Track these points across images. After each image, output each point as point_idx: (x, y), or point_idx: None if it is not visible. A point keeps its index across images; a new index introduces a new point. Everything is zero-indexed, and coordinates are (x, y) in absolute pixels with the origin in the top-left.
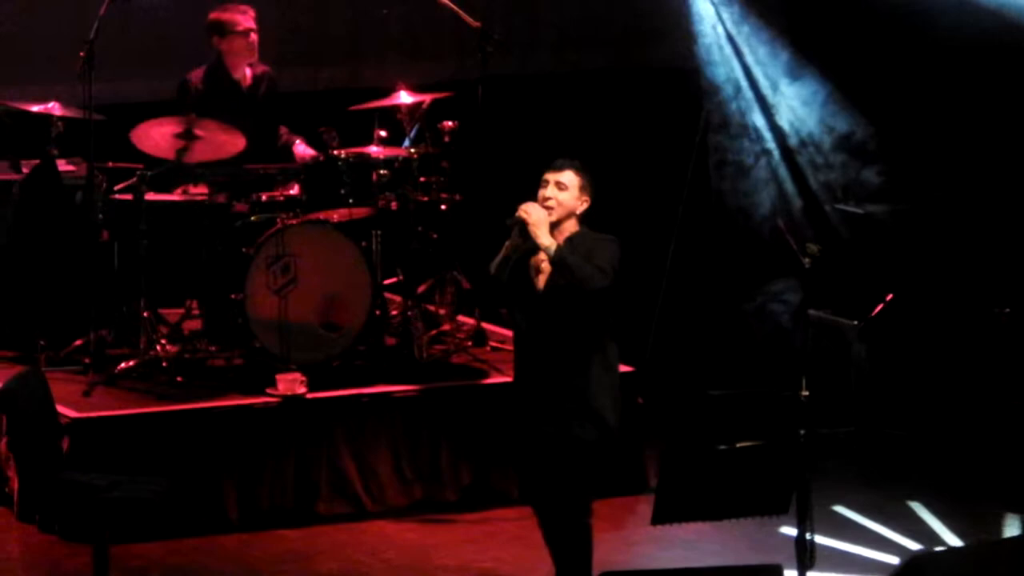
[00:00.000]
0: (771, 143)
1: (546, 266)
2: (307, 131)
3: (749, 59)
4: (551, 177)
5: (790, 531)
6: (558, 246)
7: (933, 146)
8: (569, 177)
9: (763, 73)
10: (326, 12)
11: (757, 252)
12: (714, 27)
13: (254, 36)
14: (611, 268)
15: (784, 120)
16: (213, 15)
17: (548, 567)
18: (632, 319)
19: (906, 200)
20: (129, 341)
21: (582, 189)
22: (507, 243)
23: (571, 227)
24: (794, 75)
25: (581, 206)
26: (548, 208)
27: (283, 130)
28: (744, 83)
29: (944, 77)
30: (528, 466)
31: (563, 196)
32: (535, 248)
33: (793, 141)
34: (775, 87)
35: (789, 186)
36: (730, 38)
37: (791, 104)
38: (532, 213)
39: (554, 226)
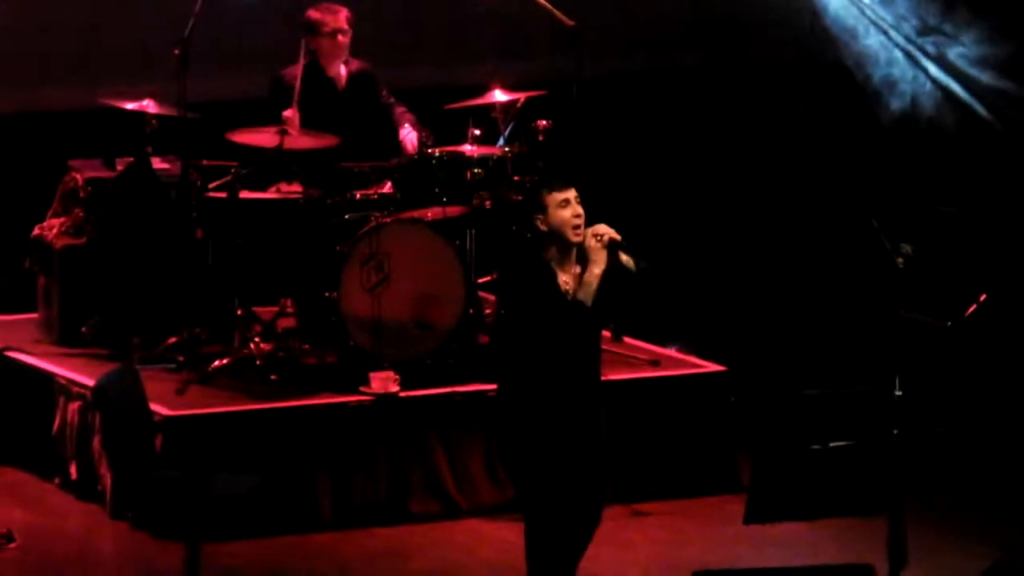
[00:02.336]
0: (928, 107)
1: (592, 279)
2: None
3: (901, 27)
4: (569, 195)
5: (883, 531)
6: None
7: None
8: (575, 193)
9: (917, 37)
10: (420, 10)
11: None
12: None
13: (342, 38)
14: None
15: (941, 85)
16: (307, 13)
17: (641, 567)
18: (725, 318)
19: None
20: (223, 339)
21: None
22: (595, 271)
23: None
24: (955, 37)
25: None
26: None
27: (400, 109)
28: (897, 51)
29: None
30: (579, 474)
31: (582, 210)
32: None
33: (951, 104)
34: (934, 49)
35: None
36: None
37: (951, 66)
38: (612, 230)
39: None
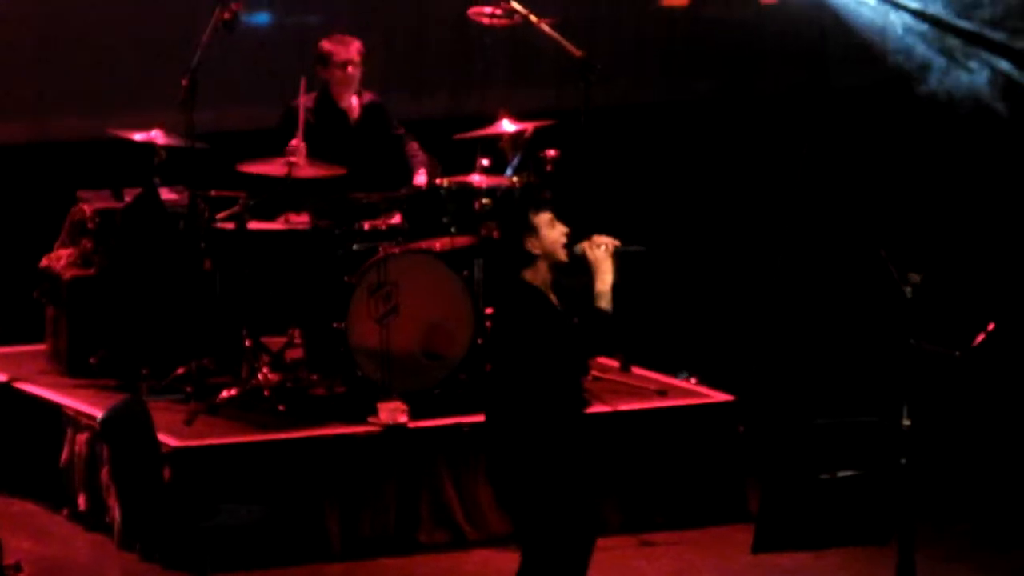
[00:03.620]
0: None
1: (606, 287)
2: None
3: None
4: (551, 215)
5: (892, 560)
6: None
7: None
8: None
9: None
10: (429, 40)
11: None
12: (891, 17)
13: (352, 70)
14: None
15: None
16: (320, 43)
17: None
18: (734, 347)
19: None
20: (231, 370)
21: None
22: (608, 279)
23: None
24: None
25: None
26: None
27: (413, 146)
28: (956, 54)
29: None
30: (591, 499)
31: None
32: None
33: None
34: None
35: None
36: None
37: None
38: (610, 238)
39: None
